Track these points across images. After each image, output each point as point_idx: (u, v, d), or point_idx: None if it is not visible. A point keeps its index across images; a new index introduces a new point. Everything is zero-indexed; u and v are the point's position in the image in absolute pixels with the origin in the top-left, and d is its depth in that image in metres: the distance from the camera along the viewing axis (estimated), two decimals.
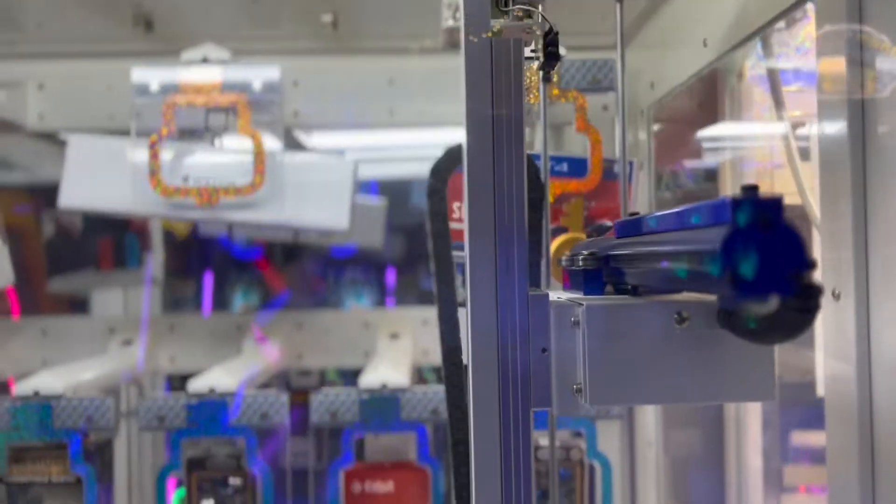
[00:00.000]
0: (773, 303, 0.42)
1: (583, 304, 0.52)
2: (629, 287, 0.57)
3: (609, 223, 1.03)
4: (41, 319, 1.32)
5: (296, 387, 1.74)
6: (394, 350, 1.20)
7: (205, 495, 1.01)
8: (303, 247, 2.37)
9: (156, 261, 1.61)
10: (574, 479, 1.02)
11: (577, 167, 1.00)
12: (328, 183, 1.00)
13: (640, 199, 1.16)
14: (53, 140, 1.47)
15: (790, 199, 0.98)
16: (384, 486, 1.00)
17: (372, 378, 0.99)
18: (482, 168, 0.55)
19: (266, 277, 2.28)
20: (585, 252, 0.60)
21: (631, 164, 1.04)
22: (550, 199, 0.98)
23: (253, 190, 0.97)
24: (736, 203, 0.40)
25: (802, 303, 0.41)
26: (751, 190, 0.41)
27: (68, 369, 1.06)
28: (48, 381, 0.98)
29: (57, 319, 1.33)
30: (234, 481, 1.01)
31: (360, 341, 1.30)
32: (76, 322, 1.36)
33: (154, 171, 0.97)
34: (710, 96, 1.32)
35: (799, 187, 1.03)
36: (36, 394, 0.97)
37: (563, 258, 0.66)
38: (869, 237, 0.62)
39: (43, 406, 0.96)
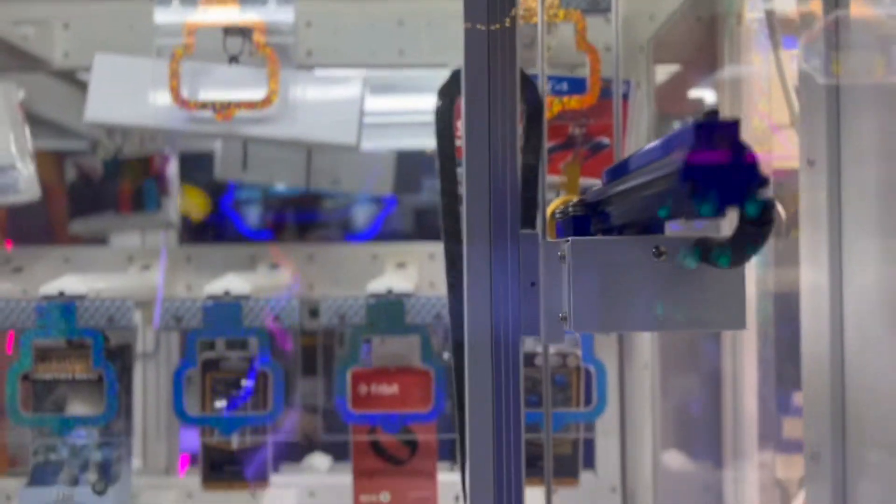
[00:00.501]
0: (730, 217, 0.46)
1: (569, 240, 0.57)
2: (615, 230, 0.61)
3: (606, 141, 1.08)
4: (63, 248, 1.38)
5: (306, 330, 1.79)
6: (401, 273, 1.25)
7: (218, 397, 1.07)
8: (316, 230, 2.43)
9: (173, 205, 1.67)
10: (570, 387, 1.07)
11: (577, 86, 1.04)
12: (338, 100, 1.05)
13: (638, 118, 1.20)
14: (76, 82, 1.53)
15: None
16: (389, 389, 1.05)
17: (378, 284, 1.05)
18: (478, 89, 0.59)
19: (277, 260, 2.34)
20: (575, 201, 0.65)
21: (628, 83, 1.09)
22: (551, 114, 1.03)
23: (267, 104, 1.03)
24: (697, 125, 0.45)
25: (758, 215, 0.45)
26: (712, 114, 0.46)
27: (90, 277, 1.12)
28: (72, 283, 1.03)
29: (78, 248, 1.39)
30: (247, 384, 1.06)
31: (368, 272, 1.35)
32: (97, 251, 1.42)
33: (174, 85, 1.03)
34: (710, 40, 1.36)
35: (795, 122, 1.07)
36: (61, 294, 1.02)
37: (557, 212, 0.70)
38: (841, 111, 0.66)
39: (67, 306, 1.02)
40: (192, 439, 1.51)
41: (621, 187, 0.57)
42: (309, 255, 1.37)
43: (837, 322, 0.66)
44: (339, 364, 1.05)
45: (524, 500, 0.60)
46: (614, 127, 0.94)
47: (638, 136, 1.20)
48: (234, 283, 1.04)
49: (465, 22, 0.58)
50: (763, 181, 0.44)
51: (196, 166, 2.57)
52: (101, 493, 1.03)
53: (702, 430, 1.41)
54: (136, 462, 1.63)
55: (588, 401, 1.05)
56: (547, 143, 1.06)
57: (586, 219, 0.63)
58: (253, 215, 2.80)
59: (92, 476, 1.03)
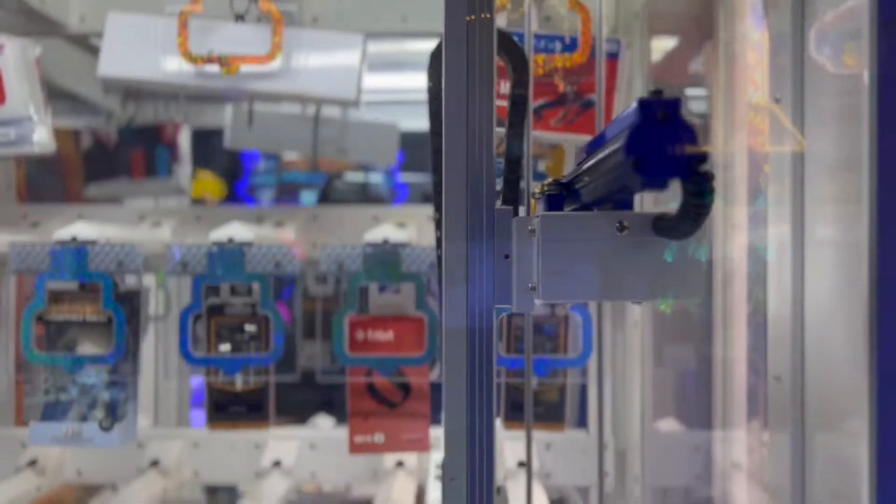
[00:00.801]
0: (673, 189, 0.49)
1: (538, 216, 0.61)
2: (587, 207, 0.64)
3: (595, 98, 1.12)
4: (78, 206, 1.43)
5: (311, 295, 1.84)
6: (399, 232, 1.29)
7: (222, 341, 1.12)
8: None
9: (183, 172, 1.72)
10: (559, 337, 1.11)
11: (569, 45, 1.08)
12: (338, 56, 1.10)
13: (630, 80, 1.24)
14: (90, 48, 1.58)
15: None
16: (384, 335, 1.09)
17: (375, 234, 1.09)
18: (458, 75, 0.62)
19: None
20: (550, 181, 0.68)
21: (618, 42, 1.13)
22: (541, 71, 1.07)
23: (270, 59, 1.07)
24: (642, 103, 0.48)
25: (698, 186, 0.48)
26: (656, 92, 0.50)
27: (102, 226, 1.16)
28: (84, 229, 1.08)
29: (92, 206, 1.44)
30: (250, 328, 1.11)
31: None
32: (110, 209, 1.47)
33: (182, 40, 1.08)
34: (706, 9, 1.39)
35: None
36: (73, 239, 1.07)
37: (536, 192, 0.74)
38: (805, 51, 0.70)
39: (79, 250, 1.07)
40: (200, 418, 1.55)
41: (587, 165, 0.61)
42: (313, 216, 1.42)
43: (799, 255, 0.69)
44: (337, 311, 1.10)
45: (495, 444, 0.64)
46: (596, 84, 0.98)
47: (629, 99, 1.23)
48: (237, 230, 1.09)
49: (445, 11, 0.62)
50: (703, 156, 0.48)
51: (211, 149, 2.62)
52: (107, 429, 1.08)
53: (692, 390, 1.45)
54: (147, 420, 1.69)
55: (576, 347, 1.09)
56: (539, 101, 1.10)
57: (560, 197, 0.66)
58: (266, 200, 2.86)
59: (99, 413, 1.08)
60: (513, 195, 0.72)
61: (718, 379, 1.33)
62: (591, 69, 1.08)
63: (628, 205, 0.61)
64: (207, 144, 2.34)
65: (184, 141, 1.72)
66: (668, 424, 1.39)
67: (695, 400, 1.40)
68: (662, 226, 0.55)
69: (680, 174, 0.48)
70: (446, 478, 0.62)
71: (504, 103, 1.05)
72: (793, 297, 0.71)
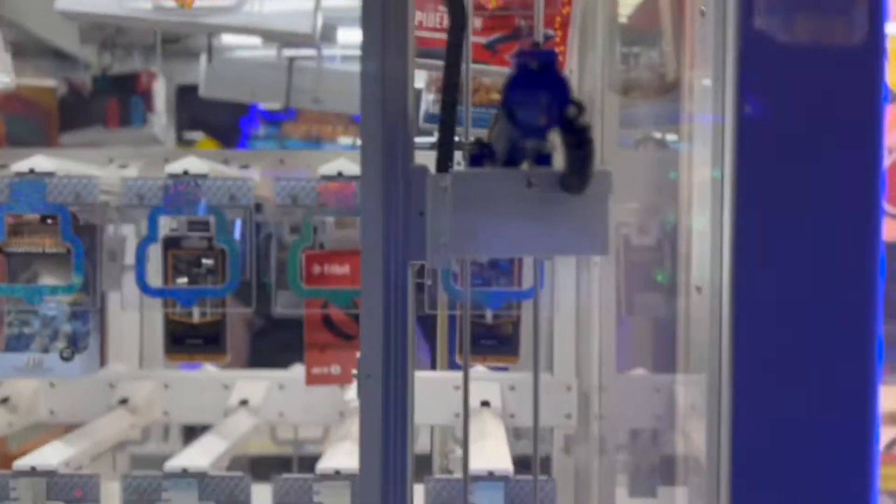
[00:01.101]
0: (552, 139, 0.50)
1: (450, 173, 0.62)
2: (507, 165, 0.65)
3: (552, 32, 1.12)
4: (47, 149, 1.44)
5: (285, 243, 1.86)
6: (355, 165, 1.30)
7: (179, 275, 1.13)
8: None
9: (159, 122, 1.73)
10: (512, 273, 1.13)
11: None
12: None
13: (587, 17, 1.24)
14: None
15: None
16: (341, 269, 1.11)
17: (329, 167, 1.10)
18: (373, 32, 0.62)
19: None
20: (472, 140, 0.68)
21: None
22: (494, 3, 1.07)
23: None
24: (518, 55, 0.50)
25: (574, 138, 0.49)
26: (533, 45, 0.51)
27: (63, 161, 1.18)
28: (42, 161, 1.10)
29: (61, 150, 1.45)
30: (207, 262, 1.13)
31: None
32: (81, 152, 1.48)
33: None
34: None
35: None
36: (31, 171, 1.09)
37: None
38: None
39: (38, 182, 1.08)
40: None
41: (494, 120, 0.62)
42: (280, 160, 1.43)
43: (719, 171, 0.70)
44: (292, 245, 1.11)
45: (410, 348, 0.65)
46: (534, 20, 0.98)
47: (585, 35, 1.24)
48: (193, 163, 1.10)
49: None
50: (579, 107, 0.49)
51: (204, 111, 2.62)
52: (68, 359, 1.10)
53: (654, 331, 1.46)
54: (132, 366, 1.70)
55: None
56: (493, 35, 1.10)
57: (480, 156, 0.66)
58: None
59: (60, 344, 1.10)
60: (446, 158, 0.69)
61: (682, 324, 1.35)
62: (549, 3, 1.08)
63: (546, 160, 0.62)
64: (200, 106, 2.35)
65: (159, 90, 1.72)
66: (629, 363, 1.41)
67: (661, 347, 1.41)
68: (561, 182, 0.57)
69: (556, 124, 0.49)
70: (362, 375, 0.63)
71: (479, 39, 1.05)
72: (711, 215, 0.73)
